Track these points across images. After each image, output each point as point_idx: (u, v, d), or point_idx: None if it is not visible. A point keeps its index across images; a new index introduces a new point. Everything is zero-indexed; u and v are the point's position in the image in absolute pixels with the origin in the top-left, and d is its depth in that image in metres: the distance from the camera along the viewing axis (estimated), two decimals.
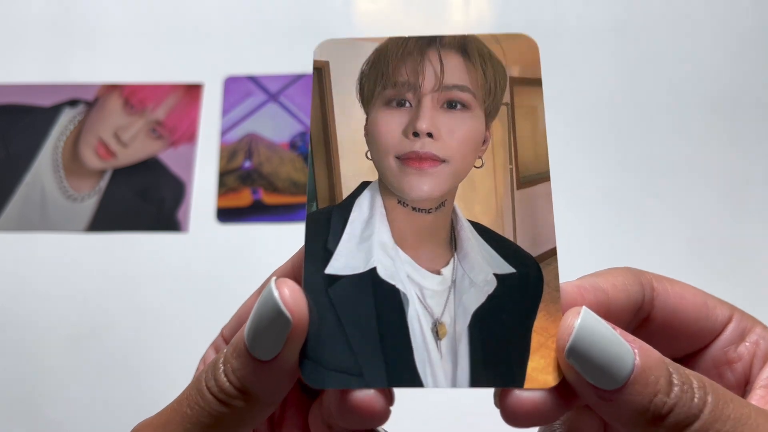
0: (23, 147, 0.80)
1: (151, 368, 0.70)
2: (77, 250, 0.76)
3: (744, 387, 0.26)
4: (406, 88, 0.25)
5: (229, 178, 0.79)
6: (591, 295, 0.23)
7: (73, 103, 0.81)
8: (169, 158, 0.80)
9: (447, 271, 0.24)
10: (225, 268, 0.75)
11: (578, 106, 0.79)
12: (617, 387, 0.21)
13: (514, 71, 0.25)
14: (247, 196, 0.78)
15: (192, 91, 0.83)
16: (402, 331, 0.23)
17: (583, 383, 0.21)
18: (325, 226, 0.24)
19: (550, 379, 0.22)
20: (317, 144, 0.25)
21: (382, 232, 0.24)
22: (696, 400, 0.21)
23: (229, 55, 0.85)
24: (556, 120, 0.80)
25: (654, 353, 0.21)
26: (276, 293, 0.21)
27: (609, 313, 0.24)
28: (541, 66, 0.25)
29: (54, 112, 0.81)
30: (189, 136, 0.81)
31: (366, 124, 0.25)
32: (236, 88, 0.83)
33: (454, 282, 0.24)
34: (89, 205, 0.78)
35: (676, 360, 0.23)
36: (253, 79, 0.83)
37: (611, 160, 0.77)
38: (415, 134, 0.25)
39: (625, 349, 0.21)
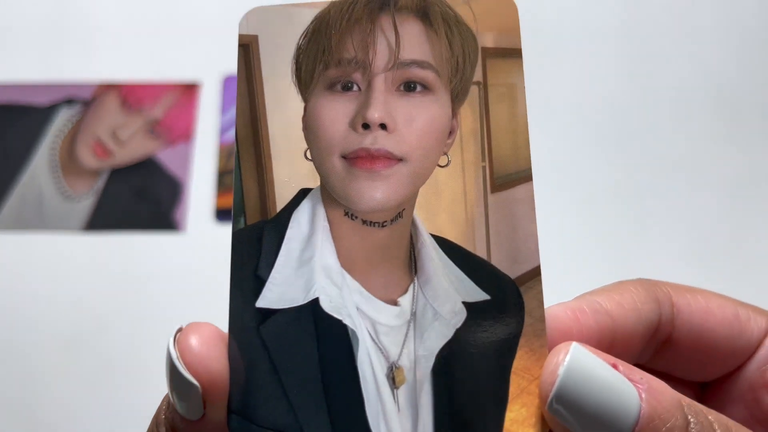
0: (20, 146, 0.79)
1: (149, 369, 0.69)
2: (74, 250, 0.76)
3: None
4: (354, 66, 0.20)
5: (228, 177, 0.78)
6: (590, 319, 0.19)
7: (70, 102, 0.81)
8: (167, 158, 0.79)
9: (405, 300, 0.19)
10: (223, 269, 0.74)
11: (579, 106, 0.78)
12: None
13: (487, 40, 0.20)
14: None
15: (190, 90, 0.82)
16: (351, 379, 0.18)
17: None
18: (256, 248, 0.19)
19: None
20: (245, 144, 0.20)
21: (325, 252, 0.20)
22: None
23: (227, 53, 0.84)
24: (555, 119, 0.79)
25: (667, 394, 0.17)
26: (174, 354, 0.17)
27: (615, 341, 0.19)
28: (521, 36, 0.20)
29: (51, 111, 0.81)
30: (186, 136, 0.80)
31: (304, 115, 0.20)
32: (234, 86, 0.82)
33: (414, 314, 0.19)
34: (86, 204, 0.77)
35: (704, 387, 0.19)
36: None
37: (612, 160, 0.75)
38: (365, 126, 0.20)
39: (628, 392, 0.17)
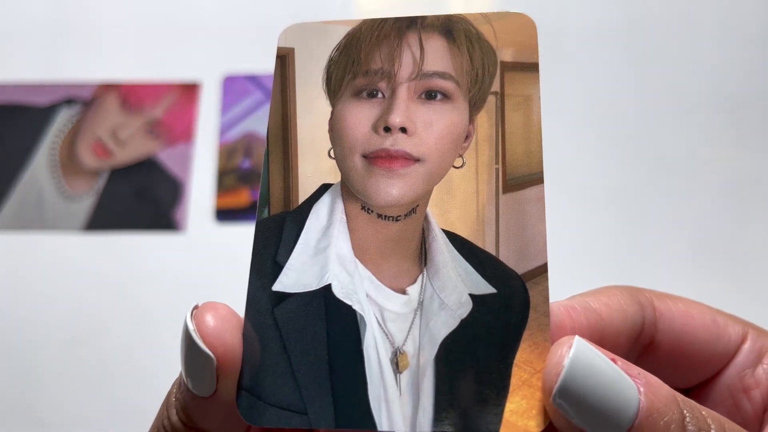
0: (20, 146, 0.79)
1: (148, 369, 0.70)
2: (74, 250, 0.75)
3: (762, 416, 0.22)
4: (380, 76, 0.22)
5: (228, 177, 0.78)
6: (581, 316, 0.20)
7: (70, 102, 0.81)
8: (167, 158, 0.79)
9: (413, 290, 0.20)
10: (223, 269, 0.74)
11: (582, 106, 0.78)
12: None
13: (506, 55, 0.22)
14: (246, 196, 0.78)
15: (190, 90, 0.82)
16: (356, 361, 0.19)
17: (575, 431, 0.17)
18: (276, 236, 0.21)
19: (533, 425, 0.18)
20: (274, 142, 0.22)
21: (340, 242, 0.21)
22: None
23: (227, 53, 0.84)
24: (558, 119, 0.79)
25: (663, 389, 0.18)
26: (191, 326, 0.18)
27: (603, 339, 0.20)
28: (539, 49, 0.22)
29: (51, 111, 0.81)
30: (187, 136, 0.80)
31: (331, 119, 0.22)
32: (235, 86, 0.82)
33: (421, 303, 0.20)
34: (86, 204, 0.77)
35: (686, 393, 0.20)
36: (252, 78, 0.83)
37: (613, 160, 0.76)
38: (387, 129, 0.21)
39: (628, 387, 0.17)
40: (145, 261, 0.75)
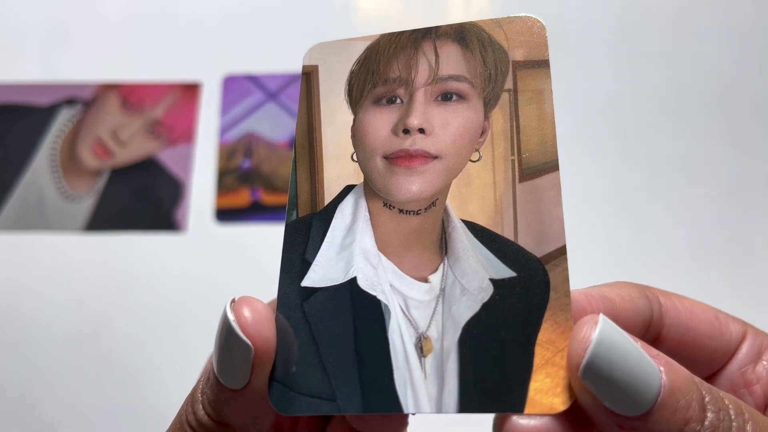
0: (20, 147, 0.79)
1: (149, 369, 0.70)
2: (75, 251, 0.75)
3: (764, 411, 0.23)
4: (398, 84, 0.23)
5: (228, 177, 0.78)
6: (599, 303, 0.21)
7: (70, 102, 0.81)
8: (167, 158, 0.79)
9: (435, 278, 0.21)
10: (223, 269, 0.74)
11: (578, 106, 0.79)
12: (641, 413, 0.17)
13: (518, 55, 0.23)
14: (246, 196, 0.78)
15: (190, 90, 0.82)
16: (381, 348, 0.20)
17: (599, 408, 0.17)
18: (304, 236, 0.22)
19: (558, 403, 0.18)
20: (301, 151, 0.24)
21: (364, 238, 0.22)
22: (734, 430, 0.17)
23: (227, 53, 0.84)
24: (557, 118, 0.79)
25: (682, 370, 0.18)
26: (231, 317, 0.19)
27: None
28: (548, 47, 0.23)
29: (51, 111, 0.80)
30: (187, 136, 0.80)
31: (353, 125, 0.23)
32: (235, 87, 0.82)
33: (443, 290, 0.21)
34: (87, 204, 0.77)
35: None
36: (252, 78, 0.83)
37: (612, 161, 0.76)
38: (405, 131, 0.23)
39: (650, 367, 0.17)
40: (145, 261, 0.75)
